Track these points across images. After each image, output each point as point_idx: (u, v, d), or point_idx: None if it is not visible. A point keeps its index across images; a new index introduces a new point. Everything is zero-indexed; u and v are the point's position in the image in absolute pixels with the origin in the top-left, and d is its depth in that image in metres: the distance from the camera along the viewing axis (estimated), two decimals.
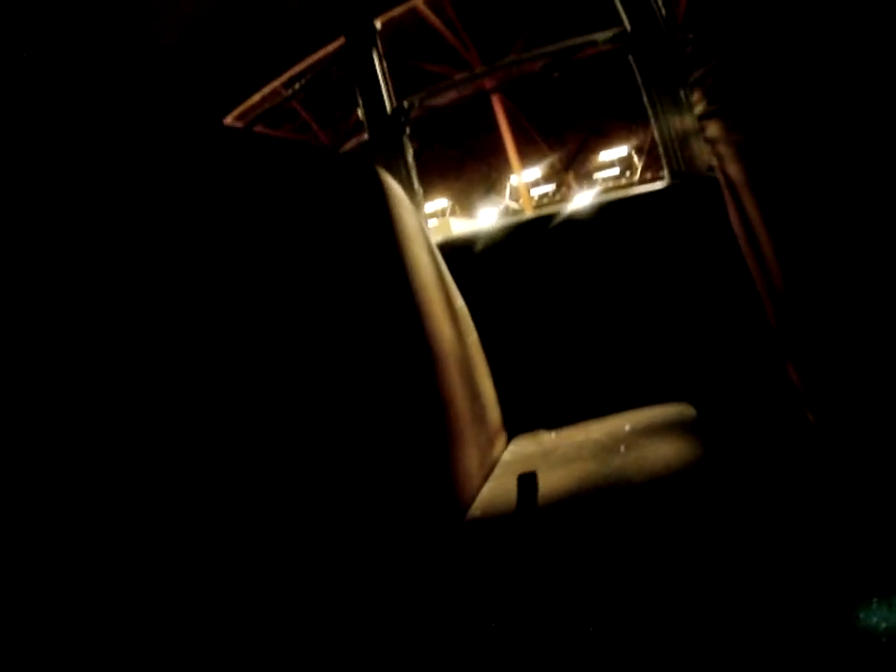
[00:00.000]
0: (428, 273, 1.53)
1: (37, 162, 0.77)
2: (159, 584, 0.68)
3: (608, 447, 1.46)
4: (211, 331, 0.87)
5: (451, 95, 2.45)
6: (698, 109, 1.90)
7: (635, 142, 19.92)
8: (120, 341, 0.74)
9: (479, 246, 2.18)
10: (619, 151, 21.12)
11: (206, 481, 0.76)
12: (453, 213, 22.80)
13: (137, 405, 0.72)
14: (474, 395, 1.56)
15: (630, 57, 2.28)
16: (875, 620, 1.00)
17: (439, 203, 22.22)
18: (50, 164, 0.78)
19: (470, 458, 1.41)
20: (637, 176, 23.66)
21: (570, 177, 22.40)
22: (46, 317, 0.68)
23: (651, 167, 22.58)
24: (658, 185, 2.17)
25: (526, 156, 17.51)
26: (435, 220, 19.39)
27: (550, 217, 2.18)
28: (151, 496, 0.70)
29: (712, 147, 1.85)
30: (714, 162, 1.86)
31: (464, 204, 23.14)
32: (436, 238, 2.01)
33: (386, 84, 2.48)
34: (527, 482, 1.15)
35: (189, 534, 0.72)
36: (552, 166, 20.88)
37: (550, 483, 1.32)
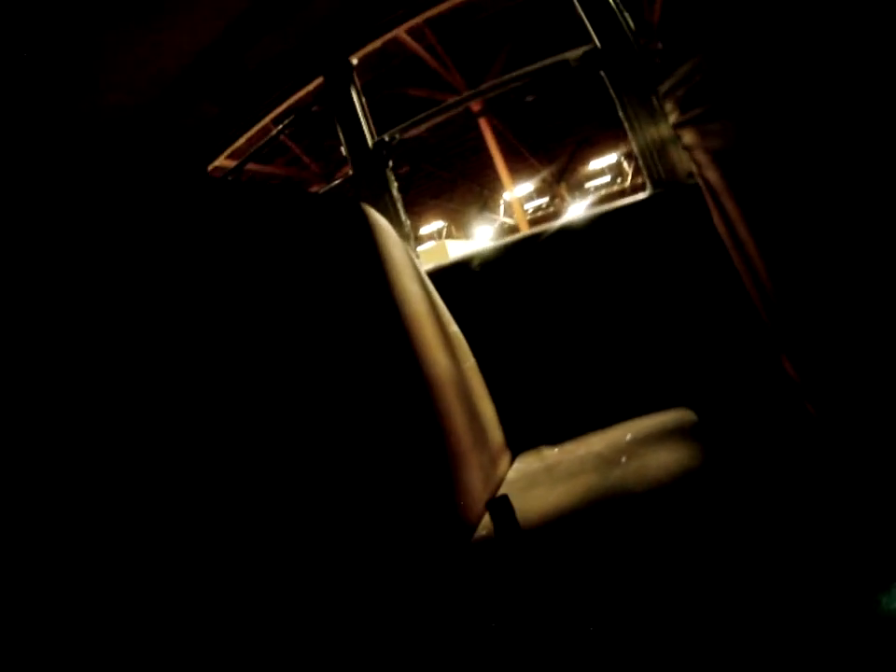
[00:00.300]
0: (419, 303, 1.55)
1: (31, 230, 0.80)
2: (160, 589, 0.69)
3: (609, 459, 1.47)
4: (213, 376, 0.89)
5: (431, 123, 2.49)
6: (672, 118, 1.93)
7: (624, 148, 19.95)
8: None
9: (469, 270, 2.21)
10: (608, 159, 21.17)
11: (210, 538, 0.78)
12: (448, 234, 22.87)
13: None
14: (474, 417, 1.58)
15: (602, 73, 2.32)
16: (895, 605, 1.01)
17: (434, 225, 22.28)
18: (43, 227, 0.81)
19: (474, 479, 1.42)
20: (628, 182, 23.71)
21: (563, 189, 22.43)
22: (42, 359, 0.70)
23: (641, 172, 22.56)
24: (641, 195, 2.20)
25: (517, 171, 17.58)
26: (432, 242, 19.40)
27: (538, 235, 2.21)
28: (155, 503, 0.72)
29: (690, 154, 1.88)
30: (693, 169, 1.89)
31: (459, 224, 23.19)
32: (427, 266, 2.04)
33: (366, 119, 2.52)
34: (499, 506, 1.16)
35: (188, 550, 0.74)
36: (543, 180, 20.93)
37: (552, 498, 1.33)
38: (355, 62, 2.59)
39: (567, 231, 2.18)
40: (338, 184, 2.74)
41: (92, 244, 0.86)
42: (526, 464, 1.73)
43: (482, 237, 22.93)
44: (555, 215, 24.62)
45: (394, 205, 2.43)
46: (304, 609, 0.87)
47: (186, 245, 1.00)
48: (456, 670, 0.94)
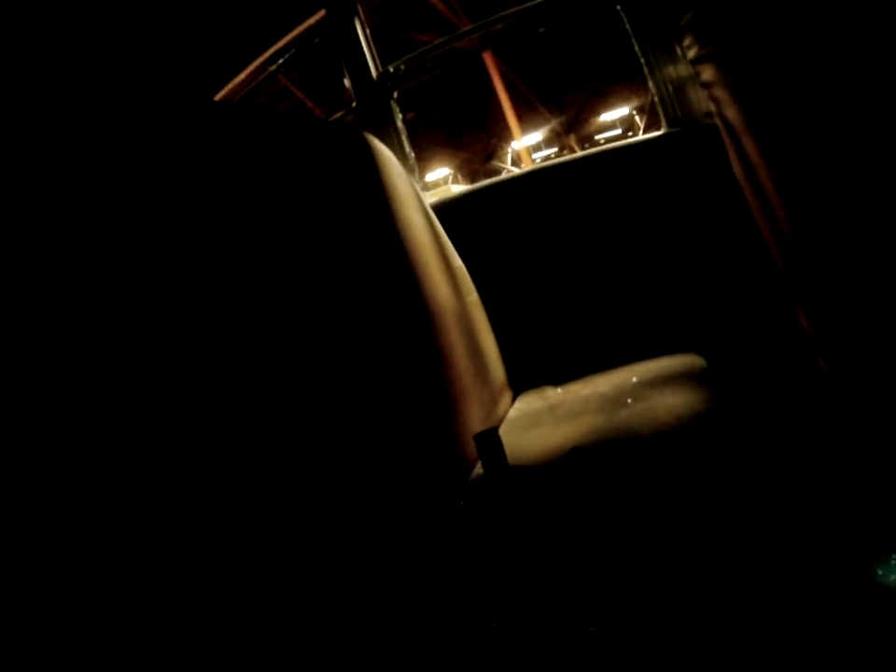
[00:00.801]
0: (423, 235, 1.51)
1: (35, 145, 0.76)
2: (156, 575, 0.67)
3: (614, 400, 1.44)
4: (211, 301, 0.86)
5: (438, 52, 2.41)
6: (691, 53, 1.86)
7: (636, 102, 19.69)
8: (120, 309, 0.72)
9: (476, 205, 2.16)
10: (620, 112, 20.92)
11: (211, 427, 0.76)
12: (455, 181, 22.72)
13: (138, 379, 0.71)
14: (476, 353, 1.55)
15: (618, 7, 2.23)
16: (893, 577, 0.99)
17: (440, 171, 22.13)
18: (46, 147, 0.77)
19: (474, 416, 1.40)
20: (639, 136, 23.45)
21: (572, 140, 22.21)
22: (45, 300, 0.67)
23: (654, 125, 22.35)
24: (656, 133, 2.14)
25: (527, 121, 17.37)
26: (438, 188, 19.31)
27: (547, 169, 2.15)
28: (150, 485, 0.69)
29: (708, 92, 1.81)
30: (712, 108, 1.82)
31: (466, 172, 23.04)
32: (431, 200, 1.99)
33: (370, 50, 2.43)
34: (485, 439, 1.13)
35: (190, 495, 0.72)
36: (553, 130, 20.70)
37: (556, 438, 1.31)
38: None
39: (578, 165, 2.12)
40: (341, 116, 2.67)
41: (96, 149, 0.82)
42: (528, 403, 1.70)
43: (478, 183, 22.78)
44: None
45: (398, 137, 2.35)
46: (304, 543, 0.85)
47: (189, 161, 0.96)
48: (451, 609, 0.92)
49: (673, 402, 1.32)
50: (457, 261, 1.76)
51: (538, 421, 1.48)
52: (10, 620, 0.56)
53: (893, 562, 1.01)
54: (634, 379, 1.55)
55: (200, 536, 0.72)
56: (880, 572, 1.00)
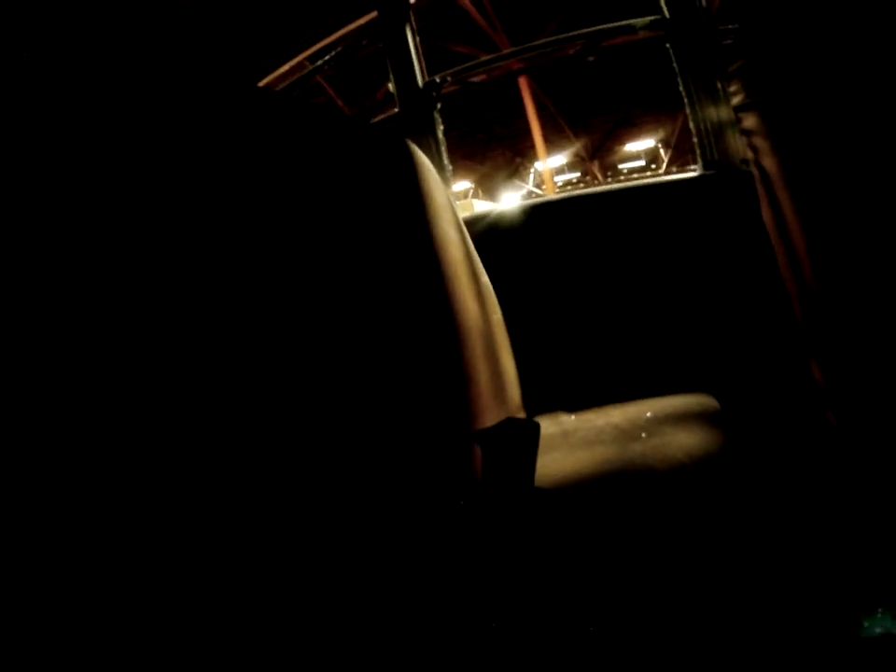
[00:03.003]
0: (456, 249, 1.52)
1: (61, 114, 0.77)
2: (156, 574, 0.68)
3: (628, 433, 1.45)
4: (232, 306, 0.86)
5: (482, 73, 2.43)
6: (735, 101, 1.87)
7: (662, 134, 19.74)
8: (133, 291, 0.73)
9: (506, 225, 2.17)
10: (646, 143, 20.95)
11: (219, 405, 0.76)
12: (475, 195, 22.76)
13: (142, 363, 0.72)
14: (496, 372, 1.56)
15: (668, 45, 2.25)
16: (878, 630, 0.99)
17: (462, 184, 22.17)
18: (79, 117, 0.78)
19: None
20: (662, 169, 23.49)
21: (595, 167, 22.26)
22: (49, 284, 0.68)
23: (677, 161, 22.42)
24: (690, 174, 2.15)
25: (552, 143, 17.40)
26: (458, 202, 19.34)
27: (577, 198, 2.16)
28: (148, 479, 0.70)
29: (748, 140, 1.83)
30: (749, 155, 1.84)
31: (487, 188, 23.07)
32: (463, 214, 2.00)
33: (419, 58, 2.46)
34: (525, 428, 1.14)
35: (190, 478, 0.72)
36: (577, 154, 20.74)
37: (570, 465, 1.32)
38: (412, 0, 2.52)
39: (607, 197, 2.14)
40: (382, 120, 2.69)
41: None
42: (542, 427, 1.71)
43: (508, 203, 22.85)
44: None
45: (438, 148, 2.38)
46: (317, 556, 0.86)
47: (230, 147, 0.97)
48: (447, 616, 0.93)
49: (686, 441, 1.33)
50: (485, 278, 1.76)
51: (551, 445, 1.48)
52: (10, 620, 0.56)
53: (880, 614, 1.02)
54: (648, 414, 1.56)
55: (198, 537, 0.73)
56: (867, 624, 1.01)
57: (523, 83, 11.69)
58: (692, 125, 2.21)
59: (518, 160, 20.88)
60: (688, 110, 2.22)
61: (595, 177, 23.14)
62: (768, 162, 1.67)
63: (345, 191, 1.21)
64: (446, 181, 2.38)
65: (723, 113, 2.18)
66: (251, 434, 0.80)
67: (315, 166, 1.16)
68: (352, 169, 1.28)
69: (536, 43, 2.41)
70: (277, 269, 0.95)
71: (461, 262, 1.52)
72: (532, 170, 22.27)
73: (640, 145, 21.08)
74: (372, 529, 0.97)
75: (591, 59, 2.41)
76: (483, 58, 2.41)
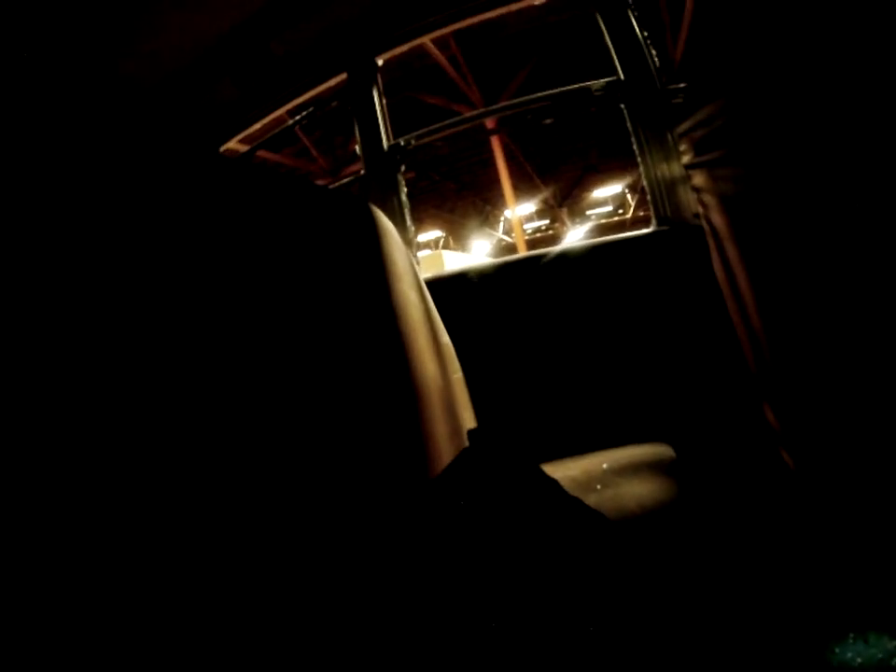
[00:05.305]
0: (415, 311, 1.55)
1: (37, 177, 0.80)
2: (149, 574, 0.69)
3: (584, 485, 1.48)
4: (203, 361, 0.89)
5: (446, 133, 2.50)
6: (686, 159, 1.95)
7: (629, 180, 20.05)
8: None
9: (468, 283, 2.22)
10: (613, 189, 21.25)
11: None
12: (446, 245, 22.89)
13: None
14: (455, 430, 1.58)
15: (622, 105, 2.35)
16: (850, 654, 1.01)
17: (432, 234, 22.29)
18: (50, 181, 0.81)
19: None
20: (629, 214, 23.85)
21: (564, 213, 22.53)
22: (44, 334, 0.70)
23: (644, 205, 22.74)
24: (645, 230, 2.22)
25: (521, 190, 17.64)
26: (428, 251, 19.39)
27: (538, 257, 2.22)
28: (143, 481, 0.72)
29: (698, 196, 1.91)
30: (700, 211, 1.91)
31: (458, 236, 23.22)
32: (426, 274, 2.05)
33: (384, 121, 2.53)
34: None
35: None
36: (546, 202, 21.00)
37: None
38: (380, 62, 2.61)
39: (566, 256, 2.20)
40: (347, 182, 2.75)
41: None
42: None
43: (479, 251, 23.00)
44: (554, 238, 24.74)
45: (401, 210, 2.44)
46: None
47: (190, 217, 1.00)
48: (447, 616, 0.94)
49: (639, 491, 1.37)
50: (445, 338, 1.80)
51: None
52: (11, 620, 0.57)
53: (850, 640, 1.05)
54: (604, 465, 1.59)
55: (195, 537, 0.74)
56: (837, 650, 1.03)
57: (493, 137, 11.89)
58: (644, 182, 2.30)
59: (488, 208, 21.08)
60: (641, 168, 2.31)
61: (563, 223, 23.41)
62: (717, 218, 1.74)
63: (306, 257, 1.25)
64: (409, 242, 2.44)
65: (675, 170, 2.26)
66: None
67: (277, 232, 1.19)
68: (314, 235, 1.31)
69: (497, 106, 2.50)
70: (236, 328, 0.98)
71: (420, 323, 1.56)
72: (502, 218, 22.49)
73: (608, 191, 21.37)
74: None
75: (548, 121, 2.50)
76: (446, 122, 2.48)
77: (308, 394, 1.08)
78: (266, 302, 1.07)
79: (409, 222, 2.47)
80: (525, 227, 23.84)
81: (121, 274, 0.84)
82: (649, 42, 2.36)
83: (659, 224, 2.24)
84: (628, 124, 2.34)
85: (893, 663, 0.98)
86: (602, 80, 2.38)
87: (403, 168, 2.47)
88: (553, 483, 1.54)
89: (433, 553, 1.16)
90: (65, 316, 0.74)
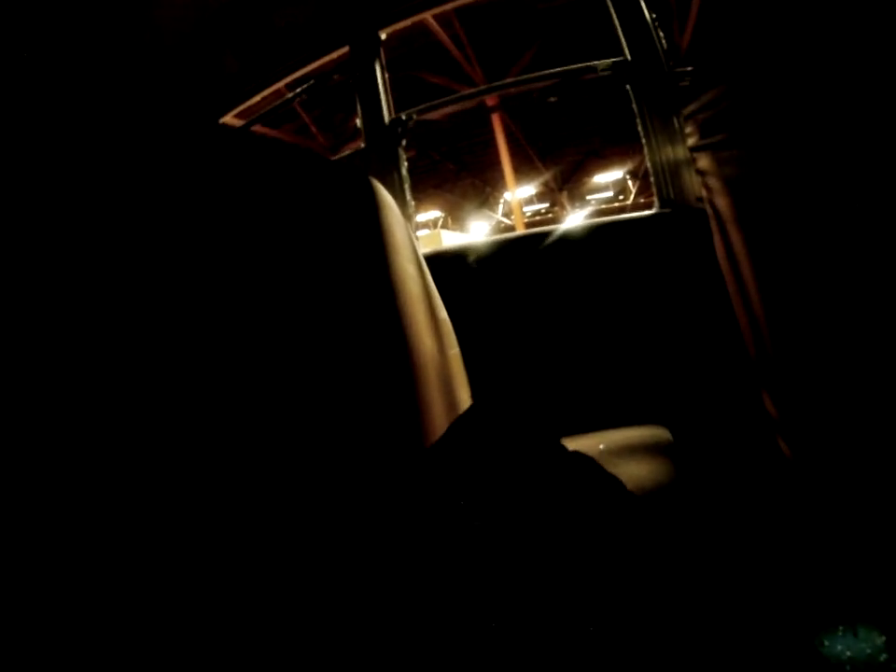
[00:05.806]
0: (414, 285, 1.54)
1: (33, 159, 0.78)
2: (151, 569, 0.68)
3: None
4: (197, 330, 0.88)
5: (448, 110, 2.48)
6: (691, 141, 1.93)
7: (630, 166, 19.99)
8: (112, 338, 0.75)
9: (468, 260, 2.20)
10: (614, 175, 21.19)
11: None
12: (444, 225, 22.83)
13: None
14: (451, 406, 1.57)
15: (627, 86, 2.32)
16: (839, 648, 1.01)
17: (431, 213, 22.24)
18: (47, 160, 0.79)
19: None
20: (630, 200, 23.80)
21: (564, 197, 22.48)
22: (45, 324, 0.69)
23: (645, 192, 22.72)
24: (647, 212, 2.20)
25: (522, 173, 17.56)
26: (426, 231, 19.35)
27: (539, 235, 2.20)
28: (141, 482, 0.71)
29: (702, 179, 1.89)
30: (703, 194, 1.89)
31: (456, 217, 23.18)
32: (424, 250, 2.03)
33: (386, 95, 2.50)
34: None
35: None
36: (546, 185, 20.93)
37: None
38: (383, 36, 2.57)
39: (567, 235, 2.18)
40: (347, 156, 2.72)
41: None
42: None
43: (477, 232, 22.95)
44: (554, 221, 24.67)
45: (401, 184, 2.42)
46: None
47: (191, 184, 0.99)
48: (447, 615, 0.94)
49: (636, 472, 1.36)
50: (443, 314, 1.78)
51: None
52: (11, 620, 0.57)
53: (840, 633, 1.04)
54: (601, 446, 1.58)
55: (192, 537, 0.74)
56: (827, 643, 1.03)
57: (494, 116, 11.83)
58: (648, 164, 2.28)
59: (488, 189, 21.01)
60: (645, 150, 2.28)
61: (563, 208, 23.35)
62: (721, 202, 1.72)
63: (305, 229, 1.23)
64: (408, 217, 2.42)
65: (680, 153, 2.24)
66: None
67: (275, 203, 1.18)
68: (313, 206, 1.29)
69: (502, 83, 2.47)
70: (234, 303, 0.97)
71: (418, 298, 1.54)
72: (501, 200, 22.43)
73: (609, 176, 21.31)
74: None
75: (552, 99, 2.47)
76: (448, 97, 2.46)
77: (304, 364, 1.07)
78: (263, 271, 1.05)
79: (408, 197, 2.45)
80: (525, 209, 23.80)
81: (120, 244, 0.82)
82: (657, 24, 2.33)
83: (662, 206, 2.22)
84: (633, 105, 2.32)
85: (881, 658, 0.98)
86: (608, 60, 2.35)
87: (404, 143, 2.45)
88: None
89: (426, 524, 1.16)
90: (59, 281, 0.72)
